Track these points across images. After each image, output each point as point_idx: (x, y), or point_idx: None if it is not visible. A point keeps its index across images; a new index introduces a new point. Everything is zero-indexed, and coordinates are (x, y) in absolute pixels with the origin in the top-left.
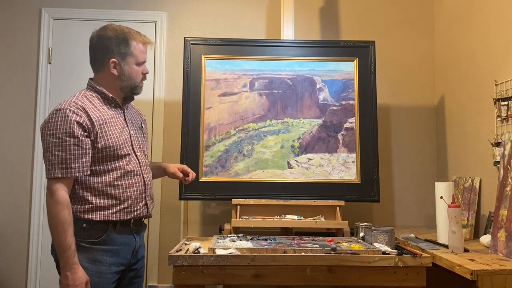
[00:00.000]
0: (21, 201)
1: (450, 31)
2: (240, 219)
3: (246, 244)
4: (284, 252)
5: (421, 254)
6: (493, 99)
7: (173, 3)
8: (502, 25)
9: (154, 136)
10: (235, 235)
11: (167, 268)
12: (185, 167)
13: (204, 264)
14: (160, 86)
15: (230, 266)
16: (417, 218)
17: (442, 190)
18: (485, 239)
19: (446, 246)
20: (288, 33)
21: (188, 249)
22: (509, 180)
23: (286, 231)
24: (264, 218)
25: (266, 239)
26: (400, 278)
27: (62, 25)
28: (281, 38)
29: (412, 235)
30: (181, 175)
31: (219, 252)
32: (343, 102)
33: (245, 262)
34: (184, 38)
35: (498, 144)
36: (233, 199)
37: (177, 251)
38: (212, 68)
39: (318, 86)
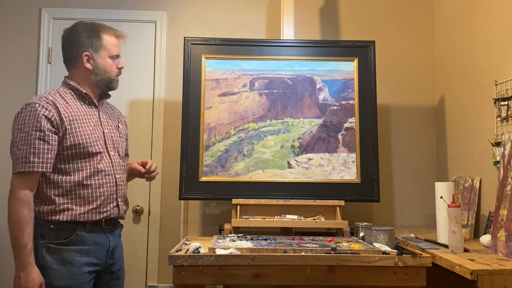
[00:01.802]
0: None
1: (450, 31)
2: (240, 219)
3: (246, 244)
4: (284, 252)
5: (421, 254)
6: (493, 99)
7: (173, 3)
8: (502, 25)
9: (154, 136)
10: (235, 235)
11: (167, 268)
12: (144, 159)
13: (204, 264)
14: (160, 86)
15: (230, 266)
16: (417, 218)
17: (442, 190)
18: (485, 239)
19: (446, 246)
20: (288, 33)
21: (188, 249)
22: (509, 180)
23: (286, 231)
24: (264, 218)
25: (266, 239)
26: (400, 278)
27: (62, 25)
28: (281, 38)
29: (412, 235)
30: (140, 168)
31: (219, 252)
32: (343, 102)
33: (245, 262)
34: (184, 38)
35: (498, 144)
36: (233, 199)
37: (177, 251)
38: (212, 68)
39: (318, 86)
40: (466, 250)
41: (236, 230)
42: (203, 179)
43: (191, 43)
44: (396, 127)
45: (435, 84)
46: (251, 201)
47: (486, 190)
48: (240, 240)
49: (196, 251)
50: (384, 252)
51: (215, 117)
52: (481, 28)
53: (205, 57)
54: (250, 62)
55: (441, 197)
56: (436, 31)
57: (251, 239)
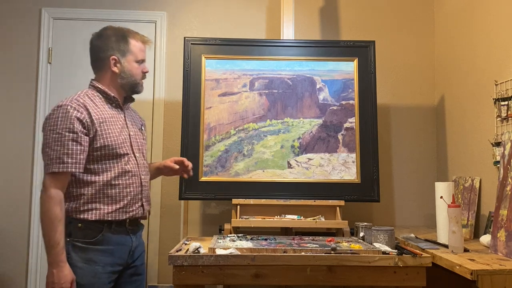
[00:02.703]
0: (21, 201)
1: (450, 31)
2: (240, 219)
3: (246, 244)
4: (284, 252)
5: (421, 254)
6: (493, 99)
7: (173, 3)
8: (502, 25)
9: (154, 136)
10: (235, 235)
11: (167, 268)
12: (177, 158)
13: (204, 264)
14: (160, 86)
15: (230, 266)
16: (417, 218)
17: (442, 190)
18: (485, 239)
19: (446, 246)
20: (288, 33)
21: (188, 249)
22: (509, 180)
23: (286, 231)
24: (264, 218)
25: (266, 239)
26: (400, 278)
27: (62, 25)
28: (281, 38)
29: (412, 235)
30: (176, 166)
31: (219, 252)
32: (343, 102)
33: (245, 262)
34: (184, 38)
35: (498, 144)
36: (233, 199)
37: (177, 251)
38: (212, 68)
39: (318, 86)
40: (466, 250)
41: (236, 230)
42: (203, 179)
43: (191, 43)
44: (396, 127)
45: (435, 84)
46: (251, 201)
47: (486, 190)
48: (240, 240)
49: (196, 251)
50: (384, 252)
51: (215, 117)
52: (481, 28)
53: (205, 57)
54: (250, 62)
55: (441, 197)
56: (436, 31)
57: (251, 239)
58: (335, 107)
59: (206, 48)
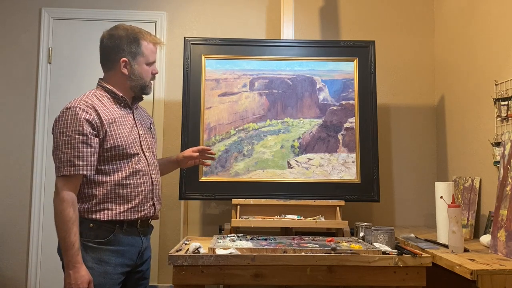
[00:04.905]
0: (21, 201)
1: (450, 31)
2: (240, 219)
3: (246, 244)
4: (284, 252)
5: (421, 254)
6: (493, 99)
7: (173, 3)
8: (502, 25)
9: None
10: (235, 235)
11: (167, 268)
12: (197, 147)
13: (204, 264)
14: (160, 86)
15: (230, 266)
16: (417, 218)
17: (442, 190)
18: (485, 239)
19: (446, 246)
20: (288, 33)
21: (188, 249)
22: (509, 180)
23: (286, 231)
24: (264, 218)
25: (266, 239)
26: (400, 278)
27: (62, 25)
28: (281, 38)
29: (412, 235)
30: (196, 153)
31: (219, 252)
32: (343, 102)
33: (245, 262)
34: (184, 38)
35: (498, 144)
36: (233, 199)
37: (177, 251)
38: (212, 68)
39: (318, 86)
40: (466, 250)
41: (236, 230)
42: (203, 179)
43: (191, 43)
44: (396, 127)
45: (435, 84)
46: (251, 201)
47: (486, 190)
48: (240, 240)
49: (196, 251)
50: (384, 252)
51: (215, 117)
52: (481, 28)
53: (205, 57)
54: (250, 62)
55: (441, 197)
56: (436, 31)
57: (251, 239)
58: (335, 107)
59: (206, 48)
